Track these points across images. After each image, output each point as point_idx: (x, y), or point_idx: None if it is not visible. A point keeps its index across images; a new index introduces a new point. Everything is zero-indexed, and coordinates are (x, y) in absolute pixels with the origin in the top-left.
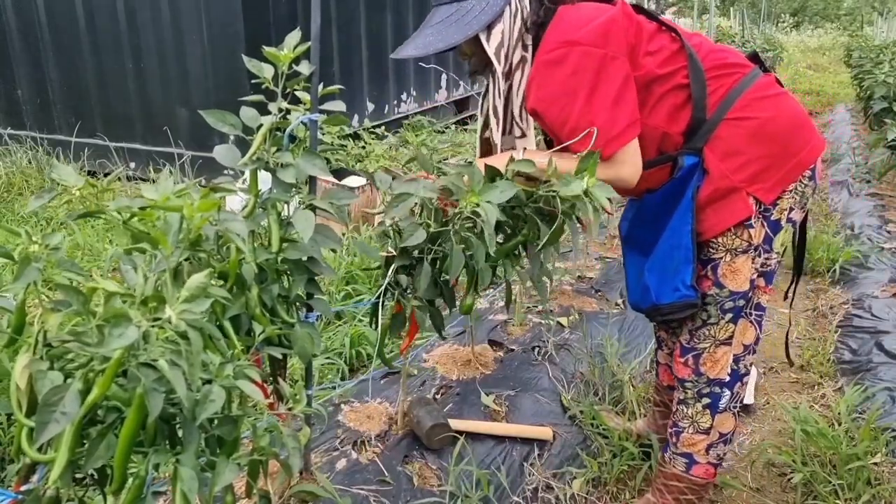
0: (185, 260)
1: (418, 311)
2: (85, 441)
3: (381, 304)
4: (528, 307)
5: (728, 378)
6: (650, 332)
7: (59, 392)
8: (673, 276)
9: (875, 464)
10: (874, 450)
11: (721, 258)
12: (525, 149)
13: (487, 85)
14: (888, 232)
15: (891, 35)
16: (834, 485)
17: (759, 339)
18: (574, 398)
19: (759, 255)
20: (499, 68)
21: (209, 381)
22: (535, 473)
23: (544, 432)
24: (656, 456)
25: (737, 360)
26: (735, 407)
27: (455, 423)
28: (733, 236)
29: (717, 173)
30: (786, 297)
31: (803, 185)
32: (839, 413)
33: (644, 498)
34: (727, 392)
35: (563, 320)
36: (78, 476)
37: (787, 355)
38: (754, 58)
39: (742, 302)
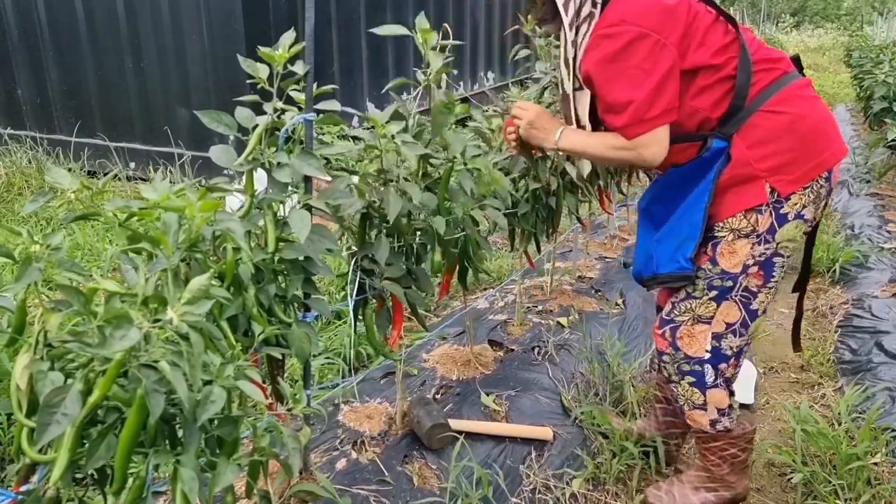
0: (182, 261)
1: (392, 288)
2: (85, 441)
3: (357, 299)
4: (528, 307)
5: (708, 356)
6: (650, 332)
7: (61, 393)
8: (676, 248)
9: (875, 464)
10: (874, 450)
11: (723, 237)
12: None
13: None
14: (888, 232)
15: (891, 35)
16: (834, 485)
17: (745, 321)
18: (574, 398)
19: (760, 244)
20: (565, 19)
21: (210, 382)
22: (535, 473)
23: (544, 432)
24: (657, 455)
25: (717, 338)
26: (723, 384)
27: (455, 423)
28: (741, 218)
29: (742, 160)
30: (794, 291)
31: (819, 186)
32: (839, 413)
33: (695, 465)
34: (709, 368)
35: (563, 320)
36: (78, 476)
37: (797, 342)
38: (796, 61)
39: (730, 283)
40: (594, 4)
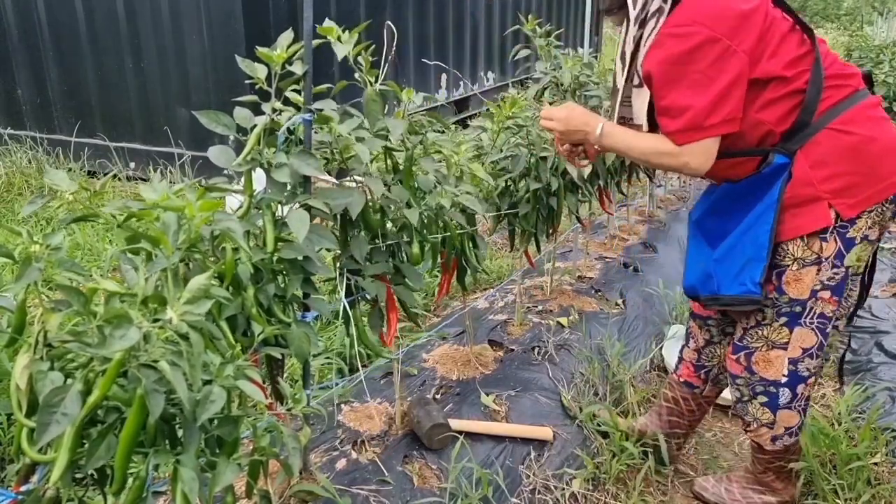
0: (181, 261)
1: (372, 288)
2: (85, 441)
3: (348, 300)
4: (528, 307)
5: (785, 379)
6: (650, 332)
7: (60, 393)
8: (741, 270)
9: (875, 464)
10: (874, 450)
11: (788, 266)
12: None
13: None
14: (888, 232)
15: (891, 35)
16: (834, 484)
17: (822, 346)
18: (574, 398)
19: (828, 269)
20: (632, 13)
21: (209, 382)
22: (534, 474)
23: (544, 432)
24: (657, 455)
25: (794, 362)
26: (799, 406)
27: (455, 423)
28: (804, 247)
29: (803, 179)
30: (849, 321)
31: (884, 207)
32: (839, 413)
33: (743, 466)
34: (786, 391)
35: (563, 320)
36: (78, 476)
37: (840, 377)
38: (867, 78)
39: (798, 309)
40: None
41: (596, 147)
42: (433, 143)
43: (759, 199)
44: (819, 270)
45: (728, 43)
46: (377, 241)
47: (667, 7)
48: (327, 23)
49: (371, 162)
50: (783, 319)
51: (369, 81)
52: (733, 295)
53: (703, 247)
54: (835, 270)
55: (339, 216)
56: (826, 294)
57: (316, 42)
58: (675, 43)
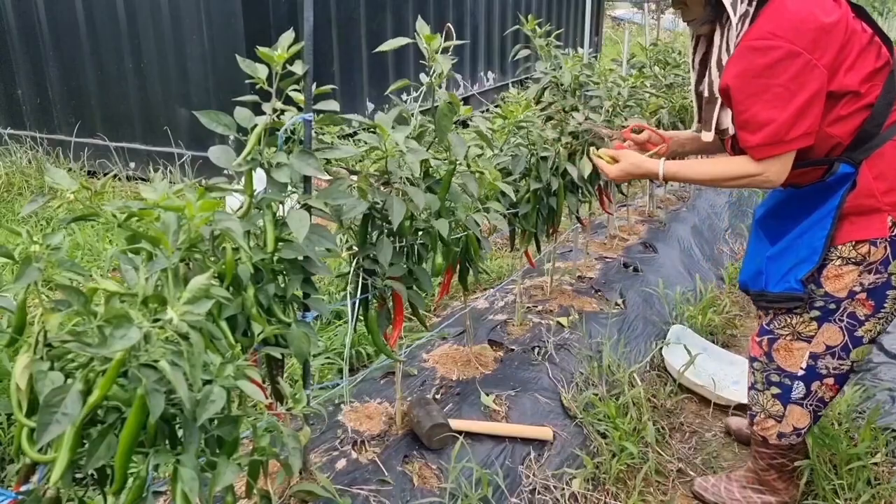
0: (181, 261)
1: (396, 287)
2: (85, 441)
3: (358, 299)
4: (528, 307)
5: (802, 373)
6: (650, 332)
7: (61, 393)
8: (789, 270)
9: (875, 464)
10: (874, 450)
11: (831, 262)
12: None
13: (699, 37)
14: None
15: (891, 35)
16: (834, 484)
17: (846, 346)
18: (574, 398)
19: (871, 273)
20: (733, 18)
21: (209, 382)
22: (534, 474)
23: (544, 432)
24: (656, 454)
25: (815, 357)
26: (811, 405)
27: (455, 423)
28: (851, 248)
29: (866, 189)
30: None
31: None
32: (839, 413)
33: (746, 466)
34: (800, 385)
35: (563, 320)
36: (78, 476)
37: None
38: None
39: (833, 306)
40: (749, 2)
41: (661, 180)
42: (476, 162)
43: (819, 204)
44: (861, 273)
45: (809, 57)
46: (395, 242)
47: (751, 10)
48: (422, 26)
49: (400, 167)
50: (815, 313)
51: (439, 88)
52: (777, 292)
53: (764, 245)
54: (877, 276)
55: (363, 216)
56: (863, 296)
57: (397, 44)
58: (755, 56)
